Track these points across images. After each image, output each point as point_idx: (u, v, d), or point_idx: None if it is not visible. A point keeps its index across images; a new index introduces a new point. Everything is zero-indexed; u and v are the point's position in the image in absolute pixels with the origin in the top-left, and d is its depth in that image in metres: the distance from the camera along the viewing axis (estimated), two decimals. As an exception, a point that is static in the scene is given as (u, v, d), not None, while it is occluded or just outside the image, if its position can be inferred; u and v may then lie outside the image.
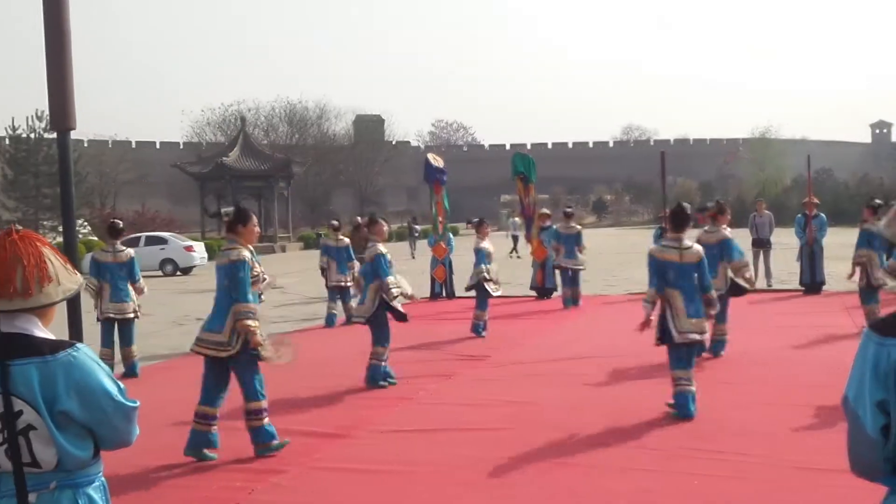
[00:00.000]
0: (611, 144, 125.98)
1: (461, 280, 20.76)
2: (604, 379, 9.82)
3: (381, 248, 9.98)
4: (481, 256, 13.56)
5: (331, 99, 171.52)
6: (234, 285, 6.85)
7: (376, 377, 9.83)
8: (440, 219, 19.36)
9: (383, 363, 9.93)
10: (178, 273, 33.74)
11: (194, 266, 34.59)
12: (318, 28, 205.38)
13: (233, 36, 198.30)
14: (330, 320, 15.92)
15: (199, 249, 35.80)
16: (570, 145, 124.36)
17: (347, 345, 13.35)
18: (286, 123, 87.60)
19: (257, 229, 7.16)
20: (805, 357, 10.80)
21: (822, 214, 19.13)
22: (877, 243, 12.47)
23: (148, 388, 10.19)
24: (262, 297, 7.38)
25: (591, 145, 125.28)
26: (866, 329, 2.46)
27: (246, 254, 6.93)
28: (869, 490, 2.52)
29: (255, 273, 6.98)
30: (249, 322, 6.74)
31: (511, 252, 37.84)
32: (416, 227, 19.90)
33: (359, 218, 24.59)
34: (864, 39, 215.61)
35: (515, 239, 38.86)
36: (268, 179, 54.78)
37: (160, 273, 33.03)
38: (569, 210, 18.53)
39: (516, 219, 39.74)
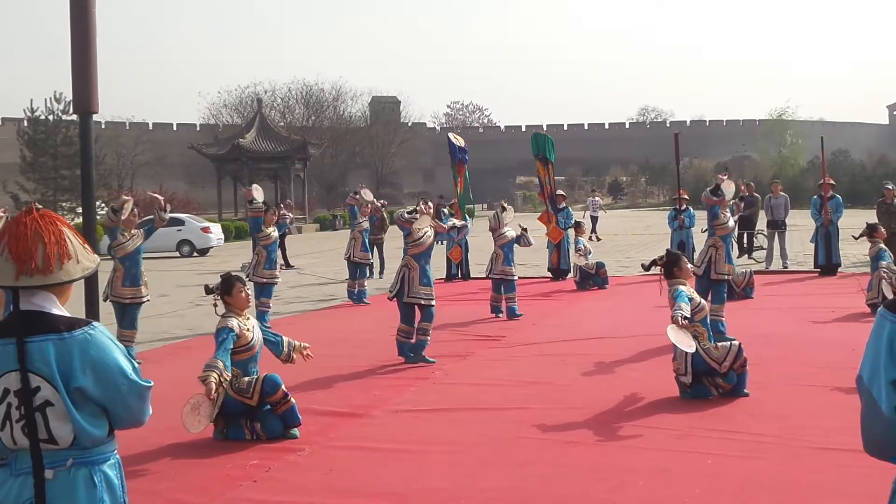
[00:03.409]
0: (627, 126, 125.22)
1: (477, 261, 20.81)
2: (618, 359, 9.84)
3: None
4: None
5: (347, 80, 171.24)
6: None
7: (416, 349, 10.12)
8: (455, 200, 19.28)
9: (427, 338, 10.17)
10: (195, 254, 33.86)
11: (211, 247, 34.68)
12: (335, 9, 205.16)
13: (249, 17, 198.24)
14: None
15: (216, 231, 35.87)
16: (586, 126, 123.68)
17: (363, 324, 13.42)
18: (302, 105, 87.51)
19: (244, 294, 7.37)
20: (821, 338, 10.77)
21: (838, 196, 19.08)
22: None
23: (165, 367, 10.28)
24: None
25: (606, 126, 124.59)
26: (881, 308, 2.46)
27: (233, 322, 7.13)
28: (887, 470, 2.52)
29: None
30: (211, 377, 6.75)
31: (591, 234, 32.95)
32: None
33: (383, 202, 24.61)
34: (884, 20, 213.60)
35: (594, 220, 34.79)
36: (284, 161, 54.79)
37: (177, 254, 33.16)
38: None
39: (597, 198, 38.06)
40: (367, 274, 17.27)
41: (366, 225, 17.02)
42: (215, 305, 7.45)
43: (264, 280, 13.34)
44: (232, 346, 7.01)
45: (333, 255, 28.51)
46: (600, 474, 5.94)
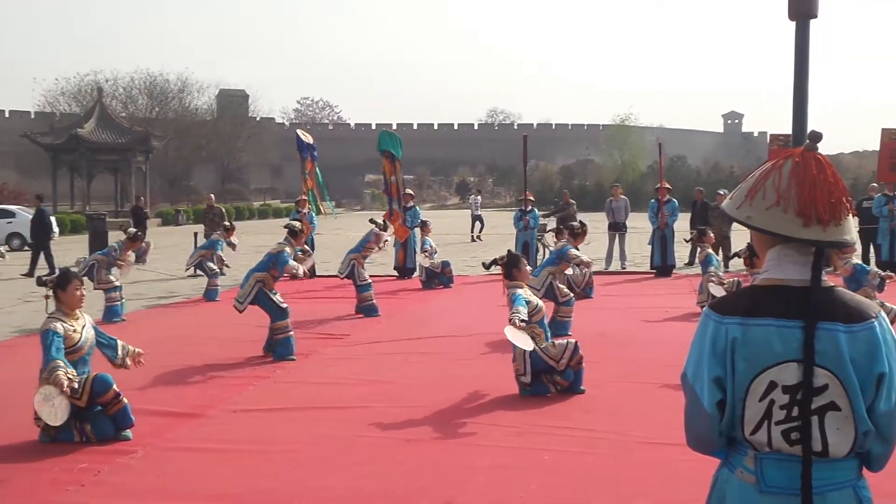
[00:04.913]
0: (476, 127, 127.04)
1: (323, 258, 20.64)
2: (461, 358, 9.93)
3: (287, 248, 10.57)
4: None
5: (193, 72, 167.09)
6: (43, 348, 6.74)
7: (285, 349, 10.09)
8: (303, 193, 19.07)
9: (289, 333, 10.18)
10: (27, 248, 32.28)
11: (45, 241, 33.11)
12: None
13: (89, 1, 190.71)
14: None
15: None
16: (436, 126, 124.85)
17: (205, 321, 13.10)
18: (146, 96, 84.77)
19: (79, 292, 7.08)
20: (655, 337, 11.16)
21: (675, 200, 19.87)
22: None
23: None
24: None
25: (456, 127, 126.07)
26: (706, 308, 2.55)
27: (57, 324, 6.81)
28: (711, 464, 2.61)
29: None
30: (59, 373, 6.50)
31: (472, 233, 33.93)
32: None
33: (212, 196, 24.10)
34: (720, 35, 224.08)
35: (478, 219, 34.69)
36: (125, 153, 52.89)
37: (7, 248, 31.54)
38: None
39: (479, 197, 37.82)
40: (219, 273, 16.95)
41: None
42: (47, 298, 7.11)
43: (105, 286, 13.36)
44: (62, 348, 6.70)
45: (176, 251, 27.77)
46: (440, 472, 5.97)
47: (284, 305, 10.28)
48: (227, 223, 18.25)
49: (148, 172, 56.72)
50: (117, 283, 13.33)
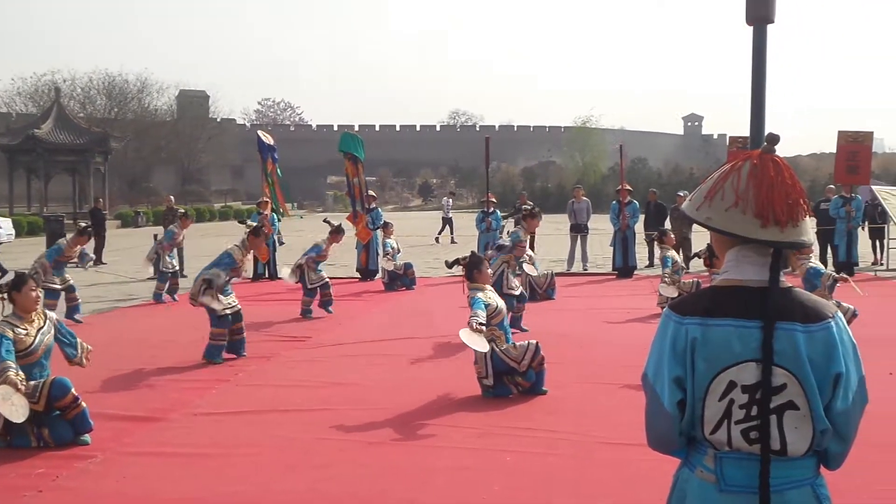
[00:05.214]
0: (438, 128, 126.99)
1: (286, 260, 20.53)
2: (423, 359, 9.93)
3: (236, 252, 10.43)
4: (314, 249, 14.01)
5: (153, 73, 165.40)
6: None
7: (212, 354, 9.97)
8: (265, 195, 18.97)
9: (222, 342, 10.09)
10: (-19, 251, 31.84)
11: (0, 243, 32.70)
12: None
13: (47, 0, 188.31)
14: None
15: (6, 226, 33.93)
16: (398, 128, 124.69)
17: (164, 324, 12.98)
18: (104, 96, 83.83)
19: (34, 294, 7.01)
20: (617, 338, 11.23)
21: (635, 202, 20.02)
22: None
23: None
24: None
25: (418, 129, 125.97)
26: (666, 308, 2.56)
27: (7, 329, 6.73)
28: (671, 463, 2.63)
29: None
30: (9, 374, 6.45)
31: (440, 234, 33.65)
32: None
33: (172, 197, 23.87)
34: (680, 38, 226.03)
35: (448, 222, 34.02)
36: (83, 154, 52.23)
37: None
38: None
39: (450, 199, 37.76)
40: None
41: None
42: (3, 300, 7.02)
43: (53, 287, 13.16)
44: (13, 350, 6.62)
45: (135, 252, 27.47)
46: (402, 474, 5.96)
47: (225, 314, 10.12)
48: (182, 210, 18.08)
49: (107, 174, 56.08)
50: (58, 288, 13.08)
